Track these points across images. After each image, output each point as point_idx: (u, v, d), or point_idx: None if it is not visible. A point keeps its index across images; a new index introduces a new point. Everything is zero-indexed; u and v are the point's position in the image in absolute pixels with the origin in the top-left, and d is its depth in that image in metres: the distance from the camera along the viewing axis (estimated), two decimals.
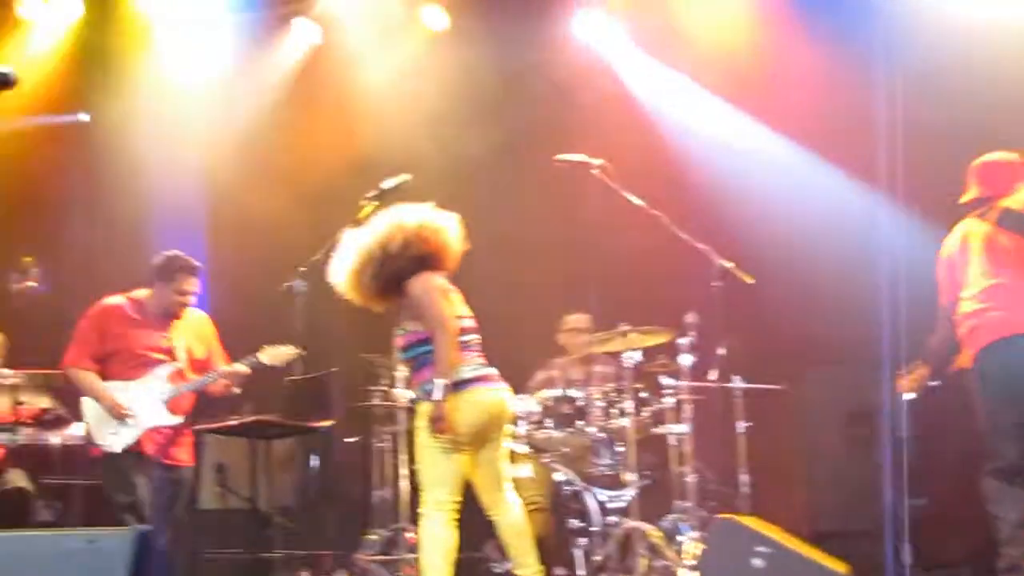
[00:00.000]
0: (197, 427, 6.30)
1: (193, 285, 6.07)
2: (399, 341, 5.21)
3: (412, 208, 5.17)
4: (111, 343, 5.98)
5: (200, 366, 6.11)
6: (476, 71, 8.07)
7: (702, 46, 7.82)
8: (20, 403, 6.85)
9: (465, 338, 5.07)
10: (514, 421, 6.21)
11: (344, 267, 5.16)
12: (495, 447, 5.12)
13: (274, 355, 5.90)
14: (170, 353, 6.01)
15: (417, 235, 5.08)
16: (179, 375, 5.98)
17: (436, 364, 4.91)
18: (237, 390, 6.12)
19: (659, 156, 7.66)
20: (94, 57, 8.63)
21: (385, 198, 5.98)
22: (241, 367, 6.00)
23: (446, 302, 5.04)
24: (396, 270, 5.06)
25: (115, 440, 5.85)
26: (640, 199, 6.14)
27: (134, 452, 5.86)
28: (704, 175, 7.53)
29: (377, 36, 8.39)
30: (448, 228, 5.17)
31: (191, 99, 8.39)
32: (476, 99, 8.11)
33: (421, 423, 4.99)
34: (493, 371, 5.14)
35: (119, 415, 5.83)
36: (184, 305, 6.07)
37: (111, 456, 5.87)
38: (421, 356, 5.06)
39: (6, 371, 6.82)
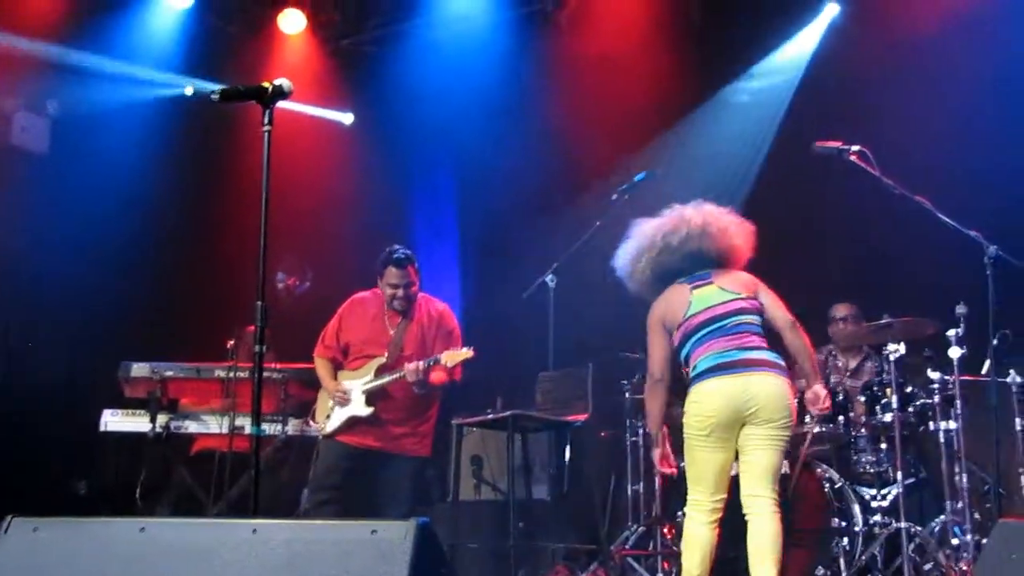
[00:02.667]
0: (456, 421, 6.43)
1: (397, 276, 6.03)
2: None
3: (702, 205, 5.03)
4: (344, 335, 6.20)
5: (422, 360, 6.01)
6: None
7: None
8: (288, 397, 7.14)
9: (709, 328, 4.80)
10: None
11: (624, 253, 5.10)
12: (755, 438, 4.71)
13: (451, 356, 5.85)
14: (386, 348, 6.09)
15: (702, 232, 4.93)
16: (385, 369, 6.03)
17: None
18: (420, 390, 5.94)
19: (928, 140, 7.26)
20: (354, 63, 9.01)
21: (635, 191, 5.98)
22: (420, 365, 5.85)
23: (661, 339, 4.92)
24: (669, 265, 4.96)
25: (327, 424, 6.08)
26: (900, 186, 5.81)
27: (341, 439, 6.02)
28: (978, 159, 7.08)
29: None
30: (733, 229, 5.00)
31: (445, 101, 8.58)
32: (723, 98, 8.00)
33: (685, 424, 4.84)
34: (745, 356, 4.73)
35: (338, 398, 6.01)
36: (395, 297, 6.07)
37: (324, 438, 6.10)
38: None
39: (275, 366, 7.09)
